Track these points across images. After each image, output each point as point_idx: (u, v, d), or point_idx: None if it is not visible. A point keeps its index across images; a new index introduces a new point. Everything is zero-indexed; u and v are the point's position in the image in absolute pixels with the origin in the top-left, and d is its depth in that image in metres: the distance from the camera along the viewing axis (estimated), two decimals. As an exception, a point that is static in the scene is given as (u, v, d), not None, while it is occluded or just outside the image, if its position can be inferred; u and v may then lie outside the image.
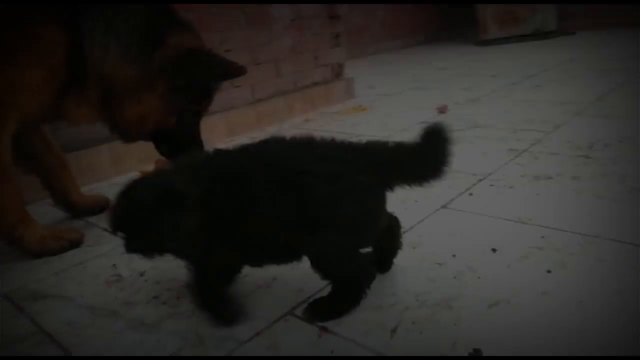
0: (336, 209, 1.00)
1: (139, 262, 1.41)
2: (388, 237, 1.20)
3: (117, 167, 2.31)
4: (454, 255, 1.28)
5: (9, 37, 1.33)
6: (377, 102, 3.44)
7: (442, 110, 2.93)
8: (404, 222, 1.50)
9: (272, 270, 1.25)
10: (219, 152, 1.11)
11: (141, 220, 1.02)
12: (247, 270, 1.27)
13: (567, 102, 2.82)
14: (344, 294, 1.09)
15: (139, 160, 2.35)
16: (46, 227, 1.57)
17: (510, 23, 6.37)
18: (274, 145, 1.09)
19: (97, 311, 1.20)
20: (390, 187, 1.09)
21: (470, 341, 0.95)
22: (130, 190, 1.06)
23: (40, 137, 1.72)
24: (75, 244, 1.56)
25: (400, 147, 1.06)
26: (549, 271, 1.16)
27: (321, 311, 1.08)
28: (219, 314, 1.09)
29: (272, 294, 1.20)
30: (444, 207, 1.60)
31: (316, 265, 1.06)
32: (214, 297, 1.11)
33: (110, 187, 2.16)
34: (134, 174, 2.19)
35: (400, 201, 1.65)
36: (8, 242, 1.49)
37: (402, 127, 2.60)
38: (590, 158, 1.88)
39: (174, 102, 1.55)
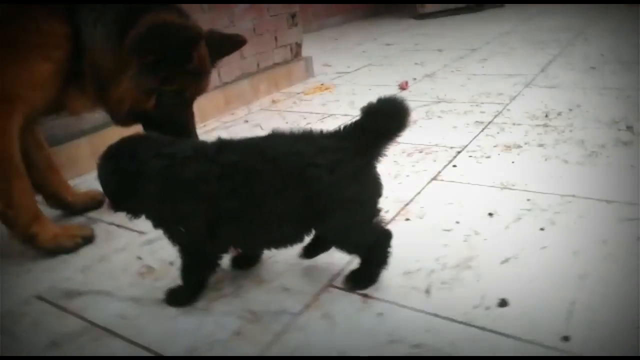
0: (342, 194, 1.10)
1: (163, 252, 1.47)
2: None
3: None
4: (457, 222, 1.45)
5: (15, 33, 1.35)
6: (337, 80, 3.55)
7: (403, 86, 3.10)
8: (403, 196, 1.66)
9: (296, 250, 1.36)
10: (225, 144, 1.19)
11: (147, 194, 1.13)
12: (270, 252, 1.37)
13: (515, 74, 3.07)
14: (373, 260, 1.22)
15: (119, 151, 2.34)
16: (58, 225, 1.58)
17: (445, -4, 6.63)
18: (278, 140, 1.16)
19: (142, 302, 1.26)
20: (380, 155, 1.16)
21: (495, 293, 1.12)
22: (136, 155, 1.15)
23: (32, 135, 1.70)
24: (88, 240, 1.58)
25: (368, 118, 1.13)
26: (542, 229, 1.36)
27: (359, 280, 1.21)
28: (194, 293, 1.24)
29: (306, 271, 1.31)
30: (434, 179, 1.77)
31: (339, 246, 1.19)
32: (201, 281, 1.25)
33: (94, 180, 2.15)
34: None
35: (393, 177, 1.81)
36: (22, 240, 1.50)
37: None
38: (549, 127, 2.12)
39: (145, 80, 1.50)
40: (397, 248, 1.31)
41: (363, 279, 1.21)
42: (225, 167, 1.11)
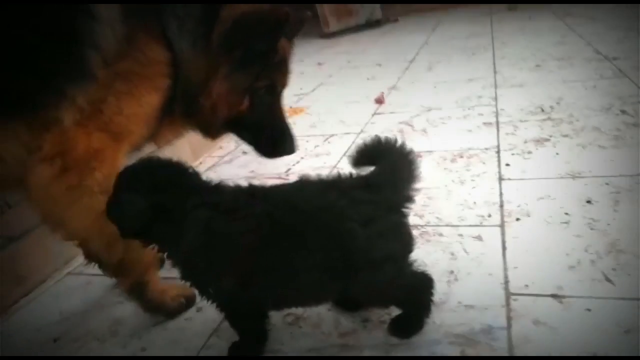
0: (377, 250, 1.04)
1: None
2: None
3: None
4: (566, 214, 1.53)
5: (128, 65, 1.19)
6: (302, 103, 3.53)
7: (380, 100, 3.17)
8: (489, 198, 1.71)
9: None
10: (258, 192, 1.13)
11: (186, 243, 1.06)
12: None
13: (474, 78, 3.32)
14: (417, 308, 1.16)
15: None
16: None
17: (345, 15, 6.96)
18: (309, 189, 1.11)
19: (323, 351, 1.15)
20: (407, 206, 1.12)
21: (668, 268, 1.21)
22: (175, 195, 1.07)
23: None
24: (191, 301, 1.40)
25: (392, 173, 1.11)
26: (645, 205, 1.50)
27: (405, 329, 1.17)
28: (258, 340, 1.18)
29: (475, 284, 1.30)
30: (502, 179, 1.84)
31: (370, 303, 1.18)
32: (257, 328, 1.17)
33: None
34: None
35: (460, 183, 1.86)
36: (130, 290, 1.33)
37: (358, 121, 2.78)
38: (554, 119, 2.33)
39: (238, 79, 1.36)
40: (538, 248, 1.38)
41: (410, 327, 1.16)
42: (261, 219, 1.05)
